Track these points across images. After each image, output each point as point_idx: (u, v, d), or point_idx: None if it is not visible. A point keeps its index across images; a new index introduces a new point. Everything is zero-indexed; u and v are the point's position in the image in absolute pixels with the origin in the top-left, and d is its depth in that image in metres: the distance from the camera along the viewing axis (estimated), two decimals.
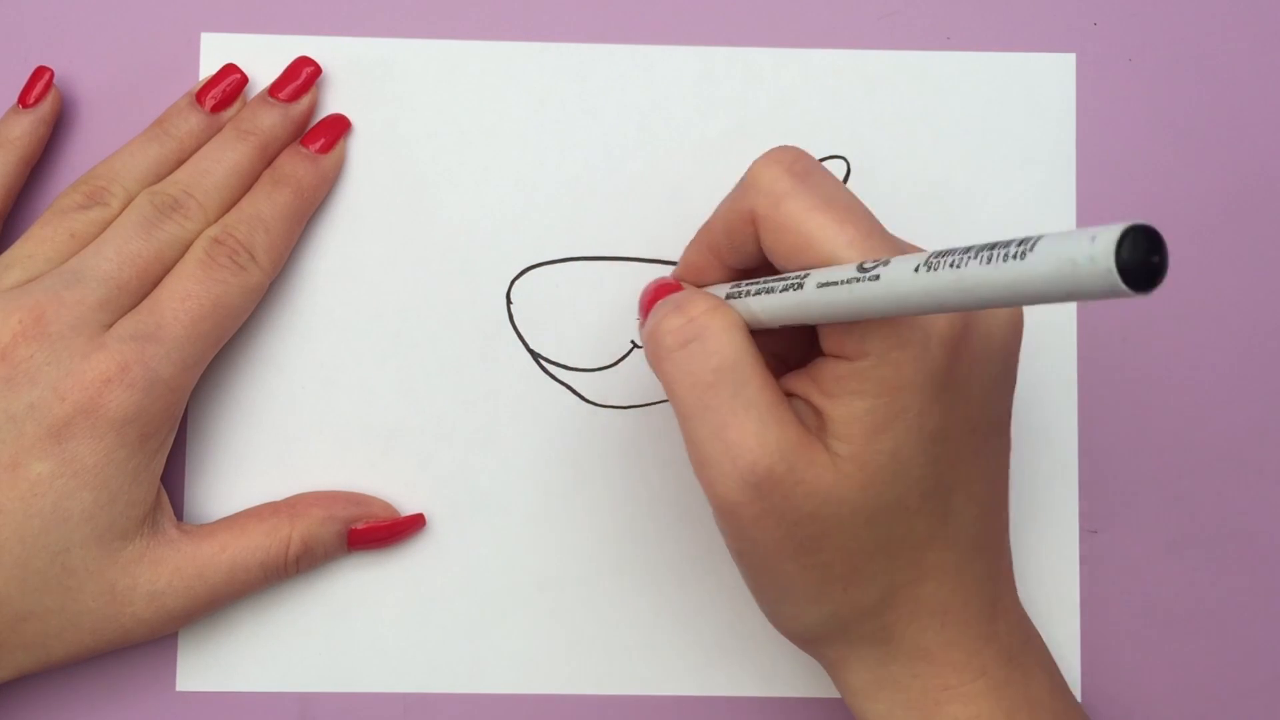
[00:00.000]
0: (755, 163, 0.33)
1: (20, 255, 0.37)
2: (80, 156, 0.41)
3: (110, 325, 0.36)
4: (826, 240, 0.31)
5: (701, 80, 0.42)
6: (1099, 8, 0.42)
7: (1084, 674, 0.41)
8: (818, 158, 0.41)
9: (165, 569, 0.37)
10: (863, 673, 0.34)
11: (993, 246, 0.26)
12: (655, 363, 0.33)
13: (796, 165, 0.32)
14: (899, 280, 0.28)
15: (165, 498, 0.38)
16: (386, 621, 0.40)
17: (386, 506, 0.40)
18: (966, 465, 0.33)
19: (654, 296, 0.34)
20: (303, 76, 0.40)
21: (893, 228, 0.41)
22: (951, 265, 0.27)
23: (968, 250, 0.26)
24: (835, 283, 0.30)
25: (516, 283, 0.41)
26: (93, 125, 0.41)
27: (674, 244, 0.41)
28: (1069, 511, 0.41)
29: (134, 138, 0.40)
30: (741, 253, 0.34)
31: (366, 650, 0.40)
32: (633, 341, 0.41)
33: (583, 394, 0.41)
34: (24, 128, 0.40)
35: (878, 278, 0.28)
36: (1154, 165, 0.42)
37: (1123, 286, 0.23)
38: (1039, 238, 0.25)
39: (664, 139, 0.41)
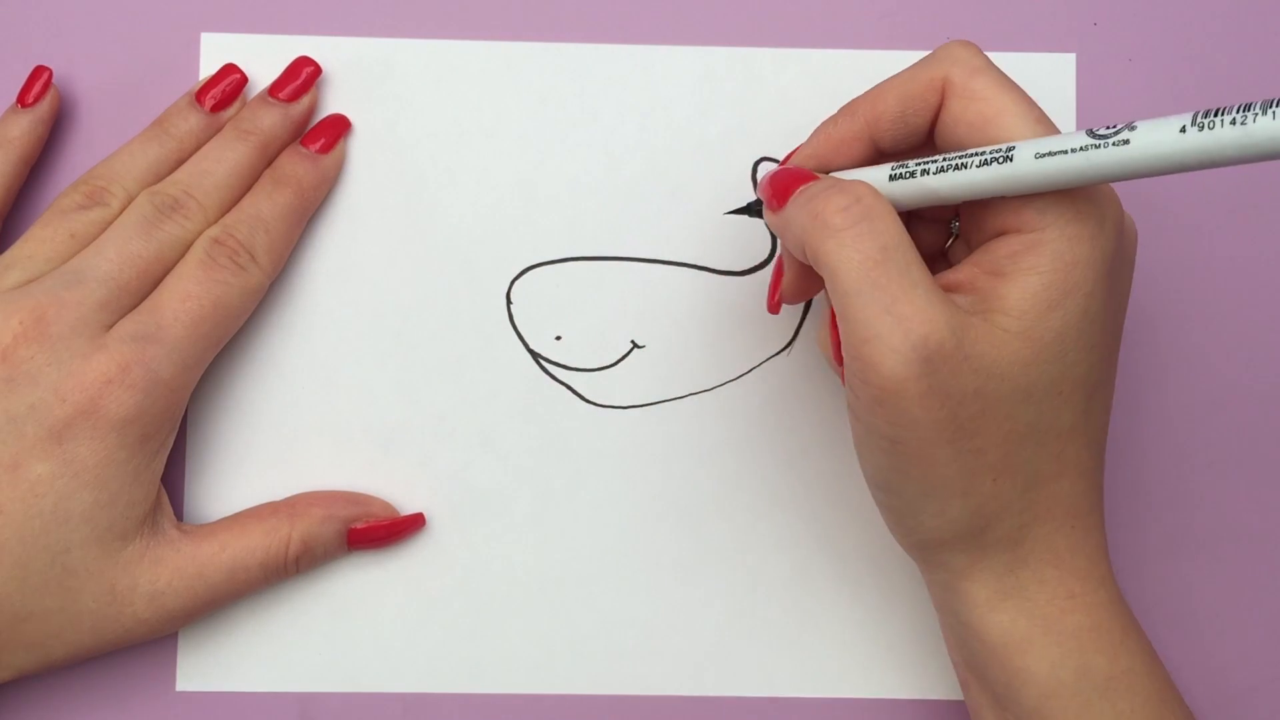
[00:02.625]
0: (946, 44, 0.34)
1: (20, 256, 0.37)
2: (80, 156, 0.41)
3: (111, 326, 0.36)
4: (1018, 115, 0.32)
5: (701, 80, 0.42)
6: (1099, 8, 0.42)
7: None
8: None
9: (165, 569, 0.37)
10: (990, 582, 0.34)
11: (1251, 106, 0.28)
12: (818, 241, 0.32)
13: (983, 52, 0.34)
14: (1160, 142, 0.29)
15: (165, 498, 0.38)
16: (386, 621, 0.41)
17: (386, 506, 0.40)
18: (1108, 364, 0.34)
19: (788, 182, 0.34)
20: (303, 76, 0.40)
21: None
22: (1233, 123, 0.28)
23: (1245, 108, 0.28)
24: (1065, 151, 0.31)
25: (516, 283, 0.41)
26: (93, 125, 0.41)
27: (674, 244, 0.41)
28: None
29: (134, 138, 0.40)
30: (908, 126, 0.34)
31: (366, 650, 0.40)
32: (633, 341, 0.41)
33: (583, 394, 0.41)
34: (23, 127, 0.40)
35: (1127, 142, 0.30)
36: None
37: None
38: None
39: (664, 139, 0.41)
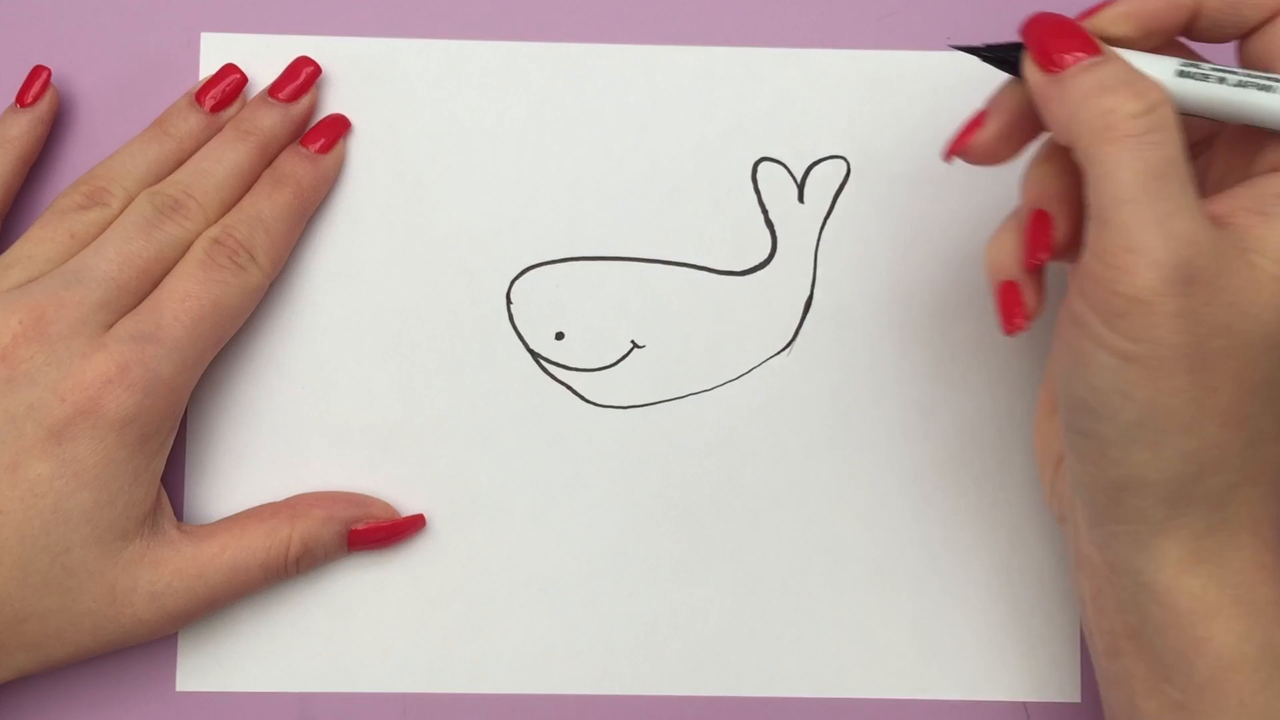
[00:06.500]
0: None
1: (20, 256, 0.37)
2: (80, 156, 0.41)
3: (110, 326, 0.36)
4: None
5: (701, 80, 0.42)
6: None
7: (1084, 674, 0.41)
8: (817, 158, 0.41)
9: (166, 570, 0.37)
10: (1187, 541, 0.33)
11: None
12: (1098, 142, 0.31)
13: None
14: None
15: (165, 498, 0.38)
16: (386, 621, 0.41)
17: (386, 507, 0.40)
18: None
19: (1064, 44, 0.32)
20: (303, 76, 0.40)
21: (892, 228, 0.41)
22: None
23: None
24: None
25: (516, 283, 0.41)
26: (93, 125, 0.41)
27: (674, 244, 0.41)
28: None
29: (134, 138, 0.40)
30: (1239, 17, 0.32)
31: (366, 650, 0.40)
32: (633, 341, 0.41)
33: (583, 394, 0.41)
34: (22, 127, 0.40)
35: None
36: None
37: None
38: None
39: (664, 139, 0.41)
